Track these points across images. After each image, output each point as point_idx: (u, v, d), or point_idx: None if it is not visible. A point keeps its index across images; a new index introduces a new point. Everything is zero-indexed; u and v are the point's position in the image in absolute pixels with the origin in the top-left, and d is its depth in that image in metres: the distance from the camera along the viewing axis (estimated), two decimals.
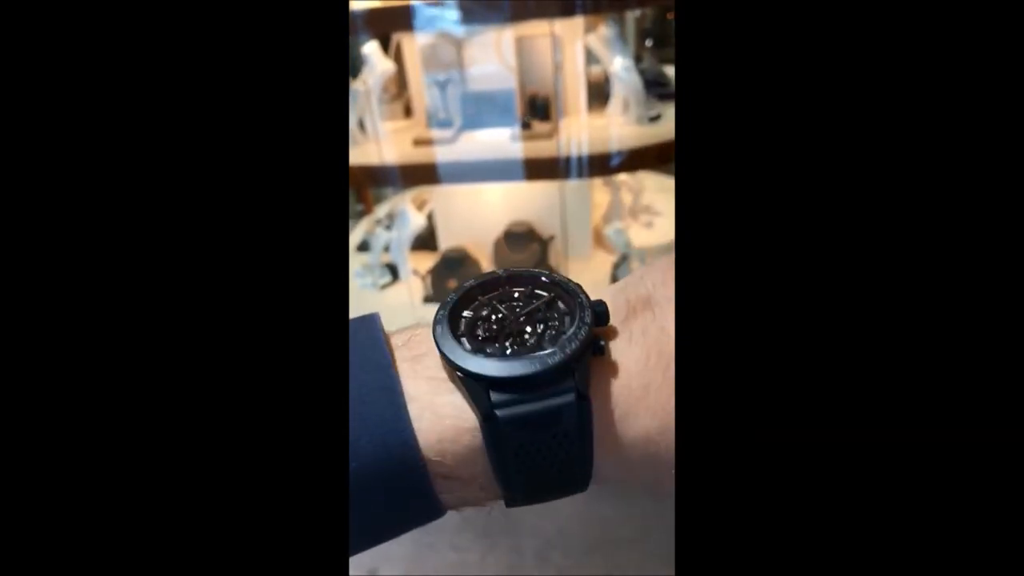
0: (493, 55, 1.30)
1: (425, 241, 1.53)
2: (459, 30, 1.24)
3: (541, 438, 0.21)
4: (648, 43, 1.60)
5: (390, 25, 1.24)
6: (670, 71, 1.49)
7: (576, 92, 1.36)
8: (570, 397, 0.20)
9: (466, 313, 0.23)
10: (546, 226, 1.46)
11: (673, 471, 0.21)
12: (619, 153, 1.24)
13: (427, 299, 1.45)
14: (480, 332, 0.23)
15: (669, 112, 1.37)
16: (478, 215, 1.50)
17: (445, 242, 1.53)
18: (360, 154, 1.36)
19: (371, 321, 0.24)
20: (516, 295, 0.24)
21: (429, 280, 1.45)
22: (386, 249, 1.50)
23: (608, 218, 1.50)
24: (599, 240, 1.51)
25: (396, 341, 0.24)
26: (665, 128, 1.31)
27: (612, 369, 0.22)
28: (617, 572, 1.24)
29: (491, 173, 1.29)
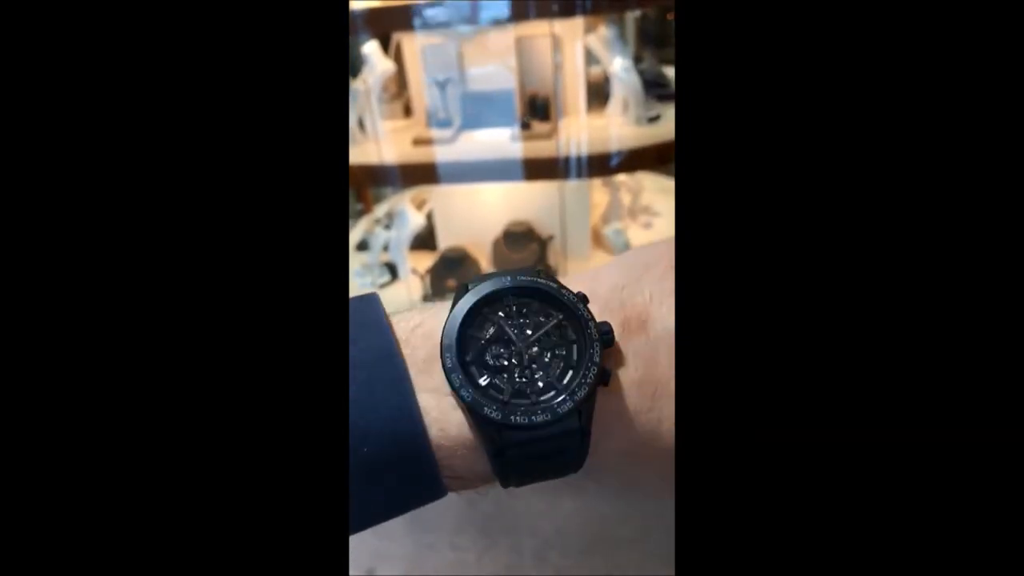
0: (493, 55, 1.30)
1: (424, 241, 1.52)
2: (459, 30, 1.24)
3: (544, 465, 0.23)
4: (648, 43, 1.60)
5: (390, 25, 1.24)
6: (669, 72, 1.49)
7: (575, 92, 1.36)
8: (575, 435, 0.22)
9: (473, 332, 0.23)
10: (545, 226, 1.46)
11: (658, 474, 0.23)
12: (618, 153, 1.24)
13: (426, 298, 1.45)
14: (489, 359, 0.23)
15: (668, 113, 1.37)
16: (477, 215, 1.50)
17: (444, 242, 1.53)
18: (359, 153, 1.35)
19: (372, 303, 0.24)
20: (523, 312, 0.24)
21: (428, 279, 1.45)
22: (385, 248, 1.50)
23: (607, 218, 1.50)
24: (598, 240, 1.51)
25: (400, 331, 0.24)
26: (664, 129, 1.31)
27: (610, 390, 0.23)
28: (615, 572, 1.24)
29: (490, 173, 1.29)
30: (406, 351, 0.23)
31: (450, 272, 1.42)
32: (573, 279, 0.26)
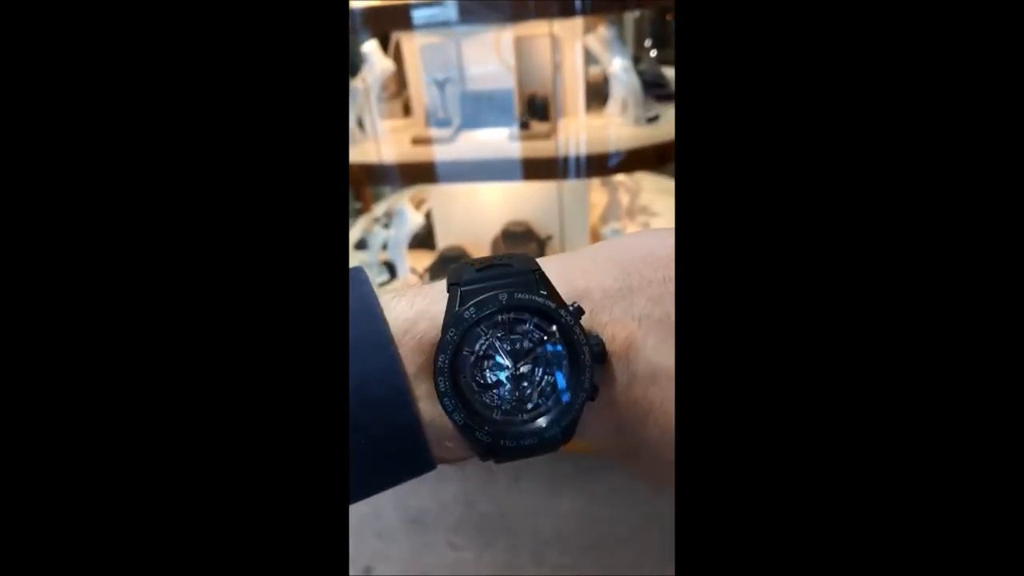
0: (492, 55, 1.30)
1: (423, 240, 1.53)
2: (458, 29, 1.25)
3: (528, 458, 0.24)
4: (647, 44, 1.60)
5: (389, 24, 1.24)
6: (668, 72, 1.49)
7: (575, 92, 1.36)
8: (559, 442, 0.23)
9: (465, 346, 0.23)
10: (544, 226, 1.46)
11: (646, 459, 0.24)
12: (617, 153, 1.24)
13: None
14: (480, 376, 0.23)
15: (667, 113, 1.37)
16: (476, 214, 1.50)
17: (443, 241, 1.53)
18: (359, 152, 1.35)
19: (359, 283, 0.24)
20: (517, 328, 0.23)
21: (427, 279, 1.45)
22: (384, 247, 1.50)
23: (605, 218, 1.50)
24: (596, 240, 1.50)
25: (390, 316, 0.23)
26: (663, 129, 1.31)
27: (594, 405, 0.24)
28: (613, 571, 1.25)
29: (489, 172, 1.29)
30: (396, 334, 0.23)
31: None
32: (570, 261, 0.25)
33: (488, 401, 0.23)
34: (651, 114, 1.34)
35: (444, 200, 1.51)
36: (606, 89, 1.35)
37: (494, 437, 0.22)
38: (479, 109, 1.35)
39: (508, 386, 0.23)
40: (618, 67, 1.29)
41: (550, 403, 0.23)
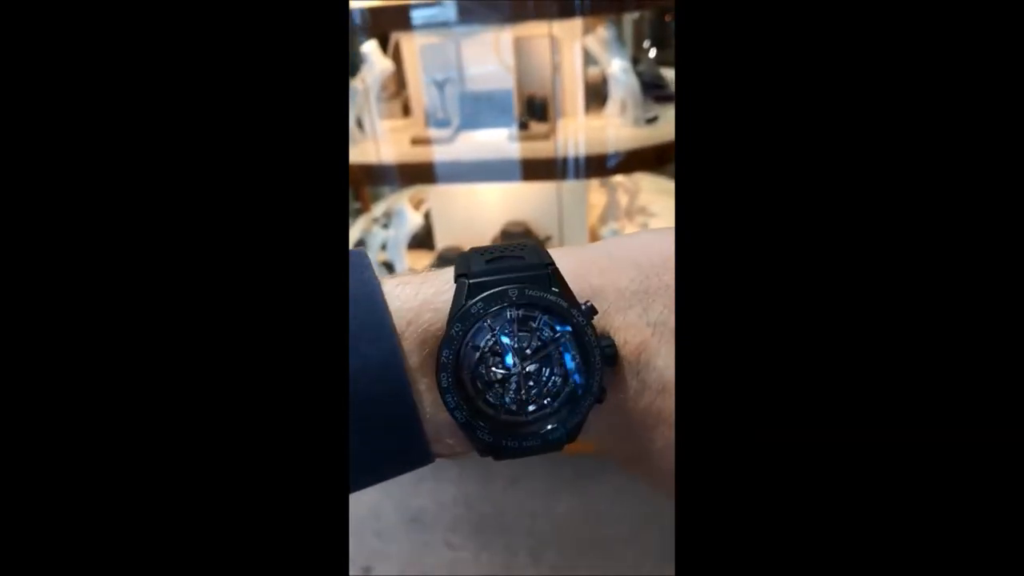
0: (491, 55, 1.30)
1: (422, 240, 1.52)
2: (458, 30, 1.25)
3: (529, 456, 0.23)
4: (646, 45, 1.60)
5: (389, 24, 1.24)
6: (667, 73, 1.49)
7: (574, 93, 1.36)
8: (562, 443, 0.23)
9: (471, 341, 0.22)
10: (543, 226, 1.46)
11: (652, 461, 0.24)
12: (616, 154, 1.24)
13: None
14: (486, 371, 0.22)
15: (666, 114, 1.37)
16: (475, 215, 1.50)
17: (442, 241, 1.53)
18: (358, 152, 1.35)
19: (362, 268, 0.23)
20: (526, 324, 0.22)
21: None
22: (383, 248, 1.50)
23: (604, 219, 1.50)
24: (595, 241, 1.50)
25: (399, 317, 0.22)
26: (662, 130, 1.31)
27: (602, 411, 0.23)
28: (611, 571, 1.25)
29: (488, 173, 1.29)
30: (398, 325, 0.22)
31: None
32: (586, 257, 0.24)
33: (492, 399, 0.22)
34: (650, 115, 1.34)
35: (443, 200, 1.51)
36: (605, 90, 1.35)
37: (496, 437, 0.22)
38: (478, 109, 1.35)
39: (513, 385, 0.22)
40: (617, 68, 1.29)
41: (556, 405, 0.23)
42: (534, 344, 0.22)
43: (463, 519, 1.38)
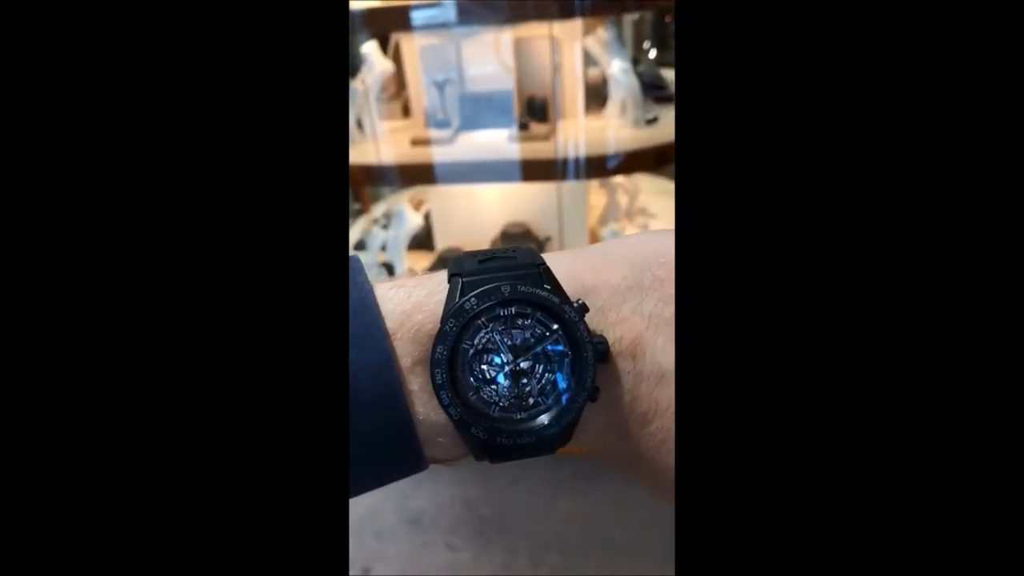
0: (492, 56, 1.30)
1: (422, 241, 1.53)
2: (458, 31, 1.25)
3: (523, 459, 0.23)
4: (646, 46, 1.61)
5: (389, 25, 1.25)
6: (667, 74, 1.49)
7: (574, 94, 1.36)
8: (555, 443, 0.23)
9: (465, 339, 0.22)
10: (542, 227, 1.46)
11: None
12: (616, 155, 1.24)
13: None
14: (479, 369, 0.23)
15: (666, 115, 1.37)
16: (475, 215, 1.50)
17: (442, 242, 1.53)
18: (358, 153, 1.36)
19: (356, 275, 0.23)
20: (519, 322, 0.23)
21: None
22: (383, 248, 1.50)
23: (604, 220, 1.50)
24: (595, 241, 1.50)
25: (392, 319, 0.23)
26: (662, 131, 1.32)
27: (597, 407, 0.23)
28: (612, 573, 1.25)
29: (488, 174, 1.29)
30: (391, 326, 0.22)
31: None
32: (579, 257, 0.24)
33: (486, 396, 0.23)
34: (650, 116, 1.35)
35: (443, 201, 1.51)
36: (605, 91, 1.35)
37: (490, 434, 0.22)
38: (478, 110, 1.35)
39: (507, 382, 0.23)
40: (617, 69, 1.30)
41: (550, 401, 0.23)
42: (528, 341, 0.23)
43: (463, 520, 1.38)
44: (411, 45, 1.33)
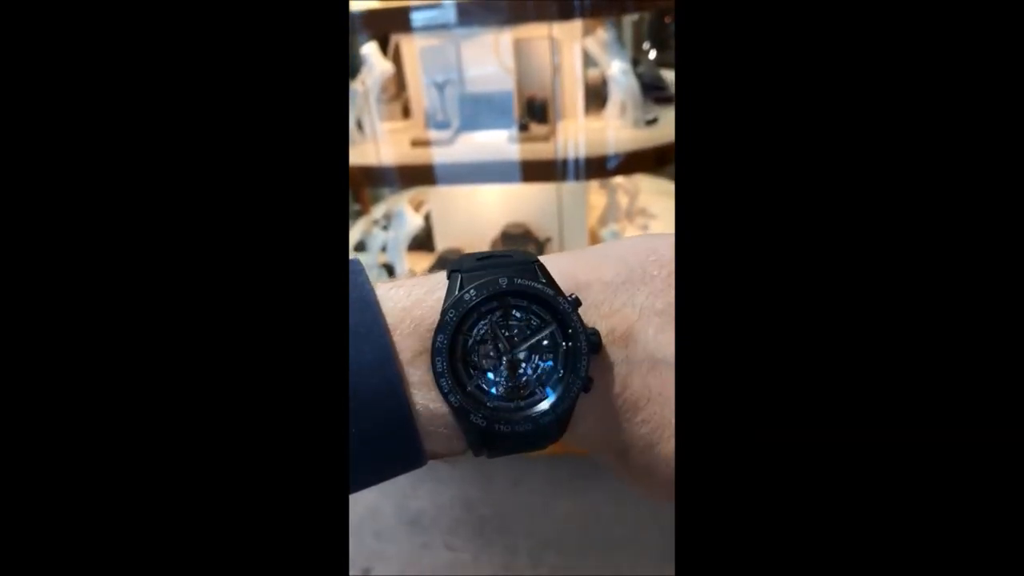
0: (491, 57, 1.30)
1: (422, 242, 1.53)
2: (457, 32, 1.25)
3: (521, 451, 0.24)
4: (646, 46, 1.61)
5: (389, 26, 1.25)
6: (667, 75, 1.49)
7: (574, 95, 1.36)
8: (554, 431, 0.24)
9: (464, 330, 0.23)
10: (542, 228, 1.47)
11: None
12: (616, 156, 1.24)
13: None
14: (478, 359, 0.23)
15: (666, 115, 1.37)
16: (475, 216, 1.50)
17: (442, 243, 1.53)
18: (358, 154, 1.36)
19: (356, 275, 0.23)
20: (516, 315, 0.24)
21: None
22: (383, 249, 1.50)
23: (604, 220, 1.50)
24: (595, 242, 1.51)
25: (386, 307, 0.23)
26: (662, 131, 1.32)
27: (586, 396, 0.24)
28: (611, 572, 1.25)
29: (488, 174, 1.29)
30: (391, 322, 0.23)
31: None
32: (573, 257, 0.25)
33: (484, 385, 0.23)
34: (650, 116, 1.35)
35: (443, 202, 1.51)
36: (605, 91, 1.36)
37: (489, 421, 0.23)
38: (478, 111, 1.35)
39: (505, 371, 0.24)
40: (617, 69, 1.30)
41: (546, 390, 0.24)
42: (524, 332, 0.24)
43: (463, 520, 1.38)
44: (411, 46, 1.33)
